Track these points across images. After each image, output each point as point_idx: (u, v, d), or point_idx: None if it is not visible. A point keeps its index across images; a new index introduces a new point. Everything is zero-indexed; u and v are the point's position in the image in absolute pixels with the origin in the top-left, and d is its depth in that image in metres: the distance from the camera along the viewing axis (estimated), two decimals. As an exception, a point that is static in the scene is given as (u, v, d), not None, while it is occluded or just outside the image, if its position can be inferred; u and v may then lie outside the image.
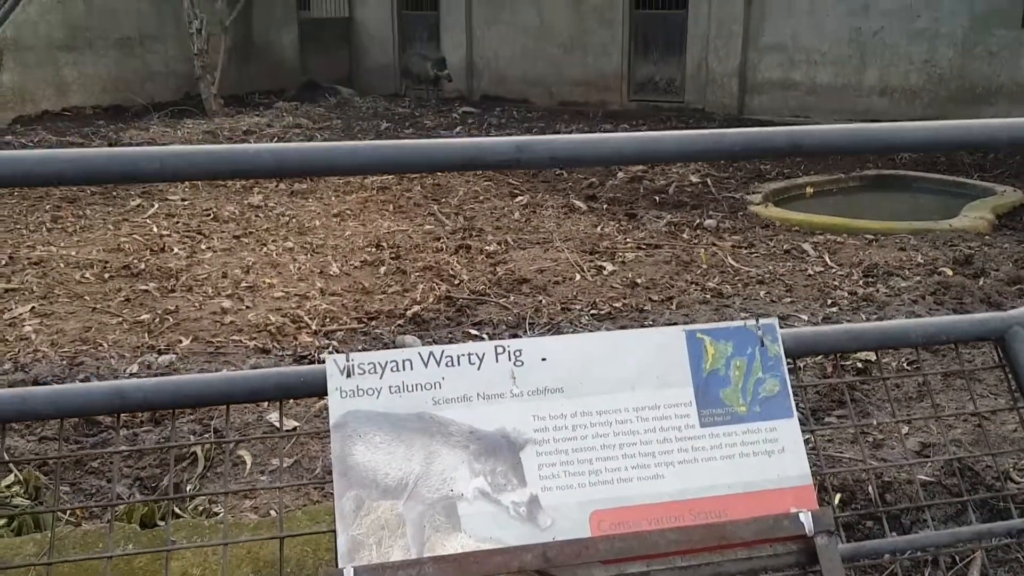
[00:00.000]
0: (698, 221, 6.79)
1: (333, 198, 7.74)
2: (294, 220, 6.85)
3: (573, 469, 1.35)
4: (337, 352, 4.18)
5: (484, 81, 14.96)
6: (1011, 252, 5.92)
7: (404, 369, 1.33)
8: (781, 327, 1.48)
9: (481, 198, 7.74)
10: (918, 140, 1.51)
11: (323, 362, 1.26)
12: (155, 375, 3.92)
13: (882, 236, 6.30)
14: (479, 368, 1.36)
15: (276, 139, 10.35)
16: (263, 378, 1.33)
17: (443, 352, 1.35)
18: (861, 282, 5.31)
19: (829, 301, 4.97)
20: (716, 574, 1.30)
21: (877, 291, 5.12)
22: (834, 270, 5.55)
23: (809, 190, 8.07)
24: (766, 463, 1.40)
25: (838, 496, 2.97)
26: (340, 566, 1.18)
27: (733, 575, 1.27)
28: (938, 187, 8.19)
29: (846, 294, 5.09)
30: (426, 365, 1.34)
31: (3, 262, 5.57)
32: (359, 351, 4.13)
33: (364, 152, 1.25)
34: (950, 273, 5.43)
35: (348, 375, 1.30)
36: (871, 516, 2.90)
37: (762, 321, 1.45)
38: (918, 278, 5.35)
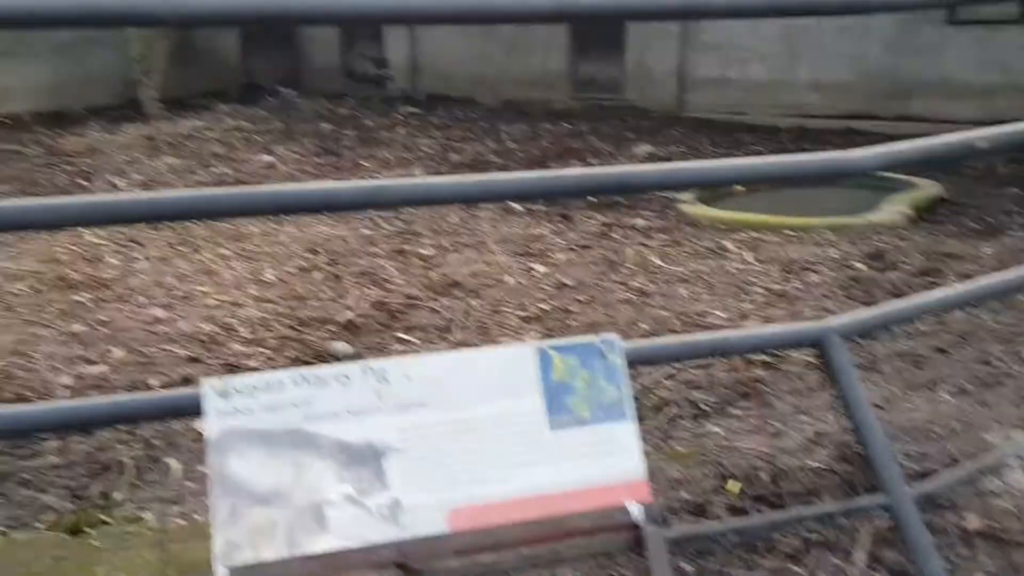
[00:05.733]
0: (629, 221, 7.01)
1: (273, 203, 7.80)
2: (230, 225, 6.91)
3: (433, 473, 1.52)
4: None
5: (428, 79, 15.06)
6: (923, 245, 6.22)
7: (276, 390, 1.49)
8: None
9: (420, 200, 7.87)
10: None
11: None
12: (87, 387, 4.02)
13: (802, 232, 6.57)
14: (347, 387, 1.53)
15: (218, 142, 10.37)
16: (149, 401, 1.48)
17: (314, 374, 1.52)
18: (778, 278, 5.56)
19: (745, 297, 5.21)
20: (556, 559, 1.48)
21: (791, 287, 5.37)
22: (753, 267, 5.80)
23: (738, 187, 8.32)
24: (606, 462, 1.59)
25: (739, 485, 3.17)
26: (216, 566, 1.33)
27: (572, 559, 1.45)
28: (864, 181, 8.47)
29: (762, 290, 5.34)
30: (297, 386, 1.51)
31: (-63, 276, 5.60)
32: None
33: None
34: (862, 268, 5.71)
35: (225, 397, 1.46)
36: (764, 499, 3.11)
37: (603, 337, 1.64)
38: (832, 273, 5.62)
